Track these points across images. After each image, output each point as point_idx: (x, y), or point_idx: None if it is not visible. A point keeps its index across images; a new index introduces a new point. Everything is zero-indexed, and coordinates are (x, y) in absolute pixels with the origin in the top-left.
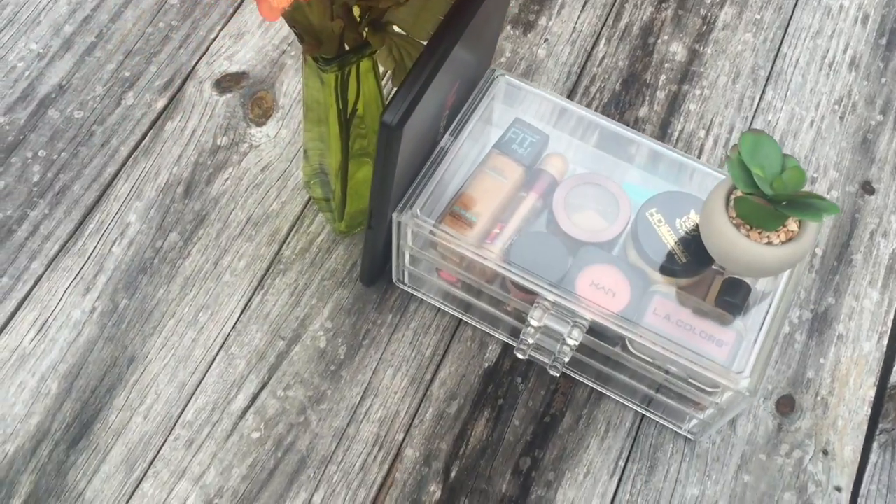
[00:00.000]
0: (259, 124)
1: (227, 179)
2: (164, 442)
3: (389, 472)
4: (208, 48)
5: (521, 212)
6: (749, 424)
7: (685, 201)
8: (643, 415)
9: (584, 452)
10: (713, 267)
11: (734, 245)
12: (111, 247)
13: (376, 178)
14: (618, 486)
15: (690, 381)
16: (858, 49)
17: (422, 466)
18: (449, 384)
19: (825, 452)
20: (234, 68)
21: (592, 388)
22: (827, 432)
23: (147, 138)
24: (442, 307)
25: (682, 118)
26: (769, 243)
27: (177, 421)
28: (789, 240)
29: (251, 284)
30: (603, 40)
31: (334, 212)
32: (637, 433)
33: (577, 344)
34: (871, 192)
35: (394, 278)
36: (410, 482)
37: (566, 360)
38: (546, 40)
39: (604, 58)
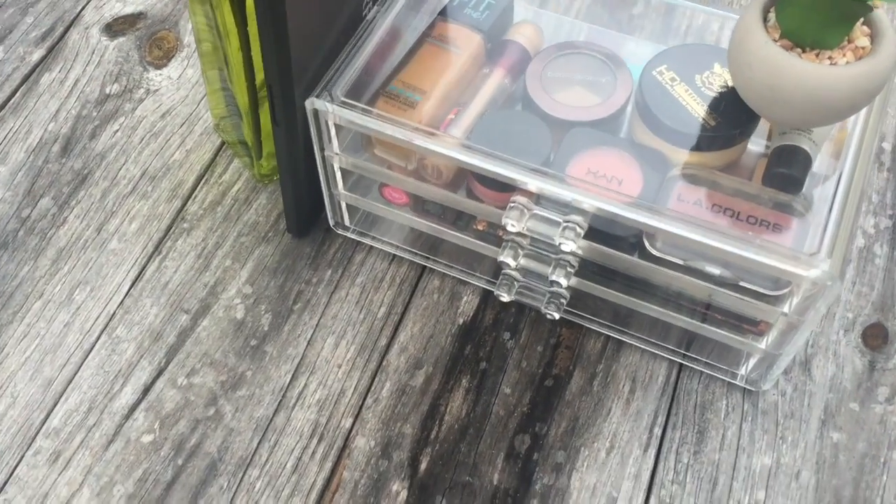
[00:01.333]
0: (158, 67)
1: (116, 131)
2: (21, 459)
3: (334, 472)
4: None
5: (486, 92)
6: (829, 365)
7: (704, 54)
8: (681, 364)
9: (605, 422)
10: (752, 147)
11: (784, 72)
12: None
13: (262, 20)
14: (656, 463)
15: (744, 284)
16: None
17: (379, 459)
18: (411, 349)
19: None
20: (128, 10)
21: (608, 336)
22: None
23: (17, 94)
24: (398, 253)
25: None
26: (833, 64)
27: (39, 430)
28: (859, 60)
29: (145, 250)
30: None
31: (251, 151)
32: (675, 390)
33: (575, 254)
34: None
35: (331, 221)
36: (364, 482)
37: (564, 286)
38: None
39: None
